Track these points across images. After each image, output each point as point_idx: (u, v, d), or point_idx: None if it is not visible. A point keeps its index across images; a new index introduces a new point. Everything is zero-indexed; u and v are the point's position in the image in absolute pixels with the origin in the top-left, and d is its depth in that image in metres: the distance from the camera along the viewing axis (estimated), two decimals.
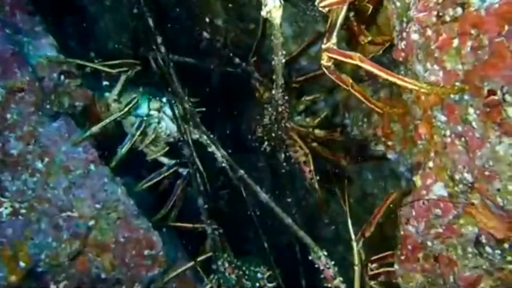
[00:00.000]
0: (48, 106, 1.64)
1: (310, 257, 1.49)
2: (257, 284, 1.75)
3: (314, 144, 2.07)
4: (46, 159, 1.60)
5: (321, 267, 1.46)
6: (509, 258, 1.12)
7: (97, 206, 1.64)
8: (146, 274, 1.75)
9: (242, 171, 1.67)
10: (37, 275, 1.67)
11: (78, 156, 1.63)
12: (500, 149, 1.00)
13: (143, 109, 1.91)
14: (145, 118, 1.87)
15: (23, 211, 1.60)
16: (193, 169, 1.66)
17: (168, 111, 1.91)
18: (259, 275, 1.78)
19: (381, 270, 1.47)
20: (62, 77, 1.67)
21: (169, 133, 1.94)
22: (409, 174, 1.81)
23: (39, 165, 1.61)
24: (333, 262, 1.47)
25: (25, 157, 1.59)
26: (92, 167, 1.63)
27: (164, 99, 1.92)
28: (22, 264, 1.58)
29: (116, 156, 1.80)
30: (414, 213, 1.28)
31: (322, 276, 1.49)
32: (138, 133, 1.84)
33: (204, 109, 1.90)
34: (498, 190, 1.03)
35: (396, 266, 1.35)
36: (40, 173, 1.61)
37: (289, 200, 1.86)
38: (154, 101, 1.92)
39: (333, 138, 2.07)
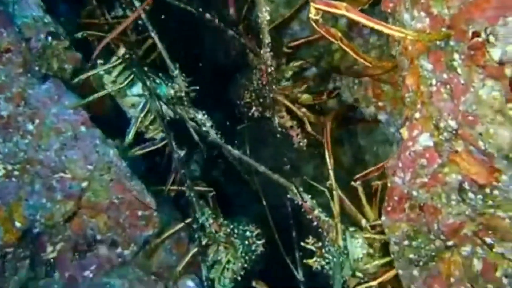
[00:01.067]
0: (36, 68, 1.63)
1: (289, 195, 1.55)
2: (246, 242, 1.79)
3: (303, 110, 2.09)
4: (37, 121, 1.60)
5: (300, 202, 1.54)
6: (490, 202, 1.16)
7: (90, 167, 1.65)
8: (140, 234, 1.79)
9: (213, 133, 1.70)
10: (34, 236, 1.71)
11: (68, 118, 1.63)
12: (483, 93, 1.02)
13: (137, 89, 1.91)
14: (148, 97, 1.88)
15: (16, 172, 1.61)
16: (166, 129, 1.67)
17: (162, 91, 1.93)
18: (248, 233, 1.82)
19: (378, 222, 1.53)
20: (50, 38, 1.65)
21: (165, 112, 1.97)
22: (399, 134, 1.83)
23: (30, 127, 1.61)
24: (309, 196, 1.55)
25: (16, 119, 1.59)
26: (83, 128, 1.64)
27: (158, 80, 1.94)
28: (18, 224, 1.61)
29: (124, 142, 1.83)
30: (400, 165, 1.30)
31: (302, 210, 1.57)
32: (143, 114, 1.86)
33: (198, 87, 1.93)
34: (480, 134, 1.06)
35: (383, 218, 1.39)
36: (31, 135, 1.61)
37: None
38: (148, 81, 1.93)
39: (320, 102, 2.09)
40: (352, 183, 1.71)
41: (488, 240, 1.20)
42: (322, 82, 2.24)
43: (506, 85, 0.96)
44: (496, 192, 1.14)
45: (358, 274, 1.60)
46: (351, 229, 1.65)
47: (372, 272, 1.64)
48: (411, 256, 1.35)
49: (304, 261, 1.68)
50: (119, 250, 1.82)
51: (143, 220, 1.77)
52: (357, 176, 1.68)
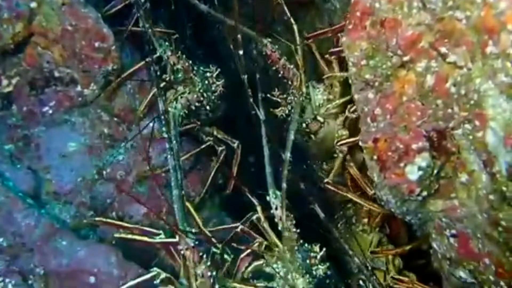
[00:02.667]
0: None
1: (259, 47, 1.61)
2: (206, 81, 1.78)
3: None
4: None
5: (269, 52, 1.60)
6: (450, 3, 1.13)
7: None
8: (99, 68, 1.73)
9: None
10: None
11: None
12: None
13: None
14: None
15: None
16: None
17: None
18: (208, 74, 1.80)
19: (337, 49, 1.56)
20: None
21: None
22: None
23: None
24: (276, 46, 1.61)
25: None
26: None
27: None
28: None
29: None
30: None
31: (269, 61, 1.62)
32: None
33: None
34: None
35: (343, 38, 1.36)
36: None
37: None
38: None
39: None
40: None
41: (443, 49, 1.19)
42: None
43: None
44: None
45: (319, 118, 1.70)
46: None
47: (333, 112, 1.71)
48: (368, 76, 1.35)
49: (270, 109, 1.74)
50: (78, 88, 1.78)
51: (101, 53, 1.70)
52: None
